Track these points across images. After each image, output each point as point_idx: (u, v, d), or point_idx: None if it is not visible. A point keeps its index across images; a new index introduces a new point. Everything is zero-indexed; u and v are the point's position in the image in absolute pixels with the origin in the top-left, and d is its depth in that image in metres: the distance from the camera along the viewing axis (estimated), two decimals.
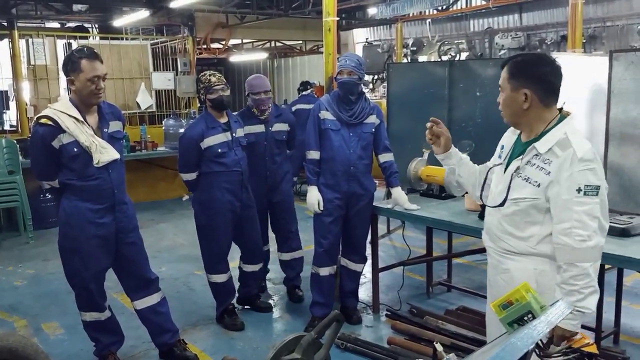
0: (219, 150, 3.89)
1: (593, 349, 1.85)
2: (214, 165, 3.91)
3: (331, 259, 4.12)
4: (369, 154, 4.02)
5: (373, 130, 3.98)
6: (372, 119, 3.97)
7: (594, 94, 5.04)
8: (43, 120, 3.10)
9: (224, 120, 3.99)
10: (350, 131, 3.93)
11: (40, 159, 3.20)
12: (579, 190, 2.04)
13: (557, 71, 2.17)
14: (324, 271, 4.12)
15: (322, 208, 3.96)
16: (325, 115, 3.95)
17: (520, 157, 2.23)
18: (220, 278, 4.14)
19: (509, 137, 2.40)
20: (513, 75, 2.18)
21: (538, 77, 2.14)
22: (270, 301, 4.69)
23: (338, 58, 4.01)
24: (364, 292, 4.70)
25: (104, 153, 3.16)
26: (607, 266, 3.58)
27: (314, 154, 4.00)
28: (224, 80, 4.01)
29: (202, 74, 4.06)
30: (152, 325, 3.62)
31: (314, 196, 3.97)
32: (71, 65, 3.09)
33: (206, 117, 3.97)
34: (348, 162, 3.93)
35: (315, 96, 8.04)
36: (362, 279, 4.48)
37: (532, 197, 2.16)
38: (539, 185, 2.14)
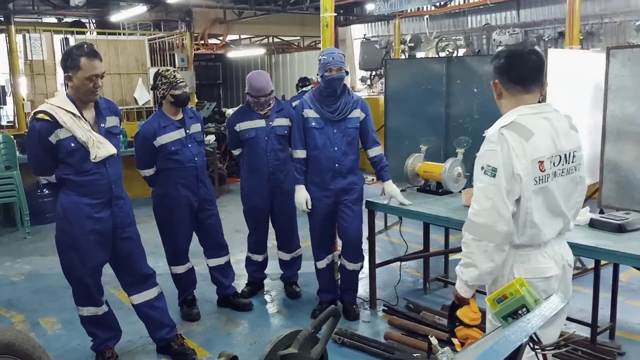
0: (172, 148, 3.94)
1: (471, 333, 2.13)
2: (168, 162, 3.98)
3: (325, 251, 4.22)
4: (355, 149, 4.01)
5: (357, 124, 3.96)
6: (357, 113, 3.95)
7: (591, 90, 5.04)
8: (40, 115, 3.10)
9: (178, 117, 4.02)
10: (334, 128, 3.92)
11: (38, 154, 3.20)
12: (482, 167, 2.14)
13: (524, 62, 2.22)
14: (321, 264, 4.24)
15: (309, 207, 3.99)
16: (309, 113, 3.96)
17: None
18: (180, 269, 4.24)
19: None
20: (493, 69, 2.33)
21: (501, 67, 2.26)
22: (268, 296, 4.70)
23: (320, 56, 3.90)
24: (361, 287, 4.70)
25: (101, 148, 3.16)
26: (603, 262, 3.59)
27: (300, 153, 4.02)
28: None
29: (164, 69, 4.08)
30: (149, 320, 3.63)
31: (301, 195, 4.01)
32: (70, 61, 3.08)
33: (159, 116, 4.01)
34: (333, 160, 3.94)
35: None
36: (359, 274, 4.49)
37: None
38: None
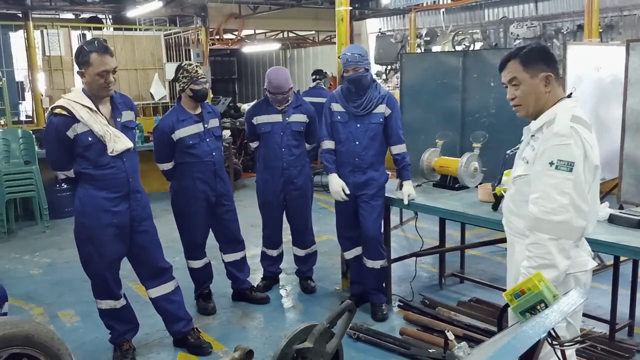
0: (190, 142, 3.95)
1: None
2: (186, 156, 3.99)
3: (351, 243, 4.19)
4: (378, 144, 3.97)
5: (381, 120, 3.93)
6: (382, 109, 3.92)
7: (610, 84, 4.97)
8: (57, 110, 3.13)
9: (197, 111, 4.02)
10: (357, 122, 3.93)
11: (55, 149, 3.23)
12: (551, 163, 2.08)
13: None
14: (349, 255, 4.22)
15: (347, 192, 3.96)
16: (335, 107, 4.00)
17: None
18: (197, 264, 4.26)
19: None
20: (528, 64, 2.24)
21: (551, 59, 2.25)
22: (283, 291, 4.72)
23: (340, 55, 3.91)
24: None
25: (118, 142, 3.19)
26: (622, 258, 3.55)
27: (328, 144, 4.04)
28: None
29: (187, 63, 4.07)
30: (166, 313, 3.66)
31: (336, 183, 3.98)
32: (81, 58, 3.10)
33: (178, 110, 4.01)
34: (353, 154, 3.94)
35: (324, 88, 8.02)
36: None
37: (524, 173, 2.24)
38: (527, 162, 2.23)
